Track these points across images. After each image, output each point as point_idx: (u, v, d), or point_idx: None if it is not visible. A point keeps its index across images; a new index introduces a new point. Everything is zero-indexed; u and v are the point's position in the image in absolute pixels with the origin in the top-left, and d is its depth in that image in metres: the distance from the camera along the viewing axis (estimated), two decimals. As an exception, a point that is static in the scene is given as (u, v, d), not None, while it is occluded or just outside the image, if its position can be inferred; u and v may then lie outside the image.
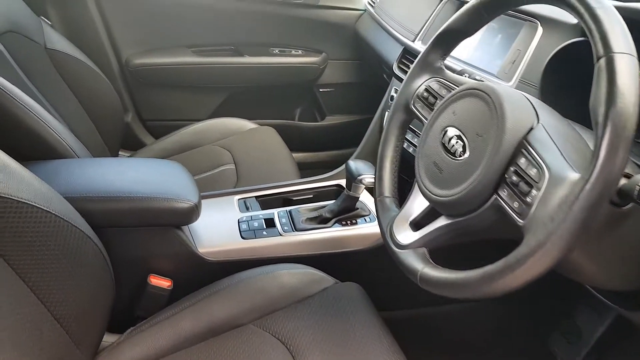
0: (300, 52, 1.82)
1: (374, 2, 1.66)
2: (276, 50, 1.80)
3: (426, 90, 0.75)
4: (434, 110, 0.69)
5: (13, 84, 0.96)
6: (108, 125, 1.43)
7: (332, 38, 1.82)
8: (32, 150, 0.97)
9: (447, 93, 0.70)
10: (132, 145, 1.79)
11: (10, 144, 0.94)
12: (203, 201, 0.94)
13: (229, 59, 1.76)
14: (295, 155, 1.58)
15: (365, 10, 1.74)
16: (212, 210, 1.10)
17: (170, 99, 1.82)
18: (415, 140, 1.11)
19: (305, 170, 1.58)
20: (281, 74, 1.80)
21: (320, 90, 1.89)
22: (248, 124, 1.58)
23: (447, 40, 0.75)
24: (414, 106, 0.76)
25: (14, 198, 0.61)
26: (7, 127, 0.94)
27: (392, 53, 1.36)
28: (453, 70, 0.79)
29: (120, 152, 1.73)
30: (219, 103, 1.85)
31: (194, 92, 1.82)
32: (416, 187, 0.72)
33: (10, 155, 0.69)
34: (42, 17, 1.44)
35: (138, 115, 1.83)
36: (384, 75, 1.48)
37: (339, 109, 1.93)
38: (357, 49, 1.82)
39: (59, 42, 1.35)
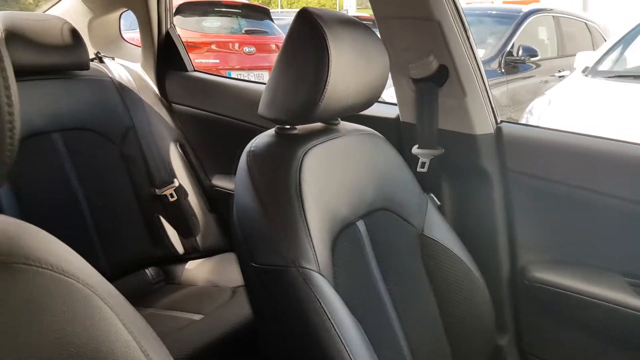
0: None
1: None
2: None
3: None
4: None
5: (353, 278, 0.86)
6: (470, 343, 1.05)
7: None
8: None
9: None
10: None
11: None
12: None
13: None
14: None
15: None
16: None
17: (572, 337, 1.20)
18: None
19: None
20: None
21: None
22: None
23: None
24: None
25: None
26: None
27: None
28: None
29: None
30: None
31: (615, 345, 1.14)
32: None
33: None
34: (431, 195, 1.17)
35: (517, 342, 1.29)
36: None
37: None
38: None
39: (438, 228, 1.06)
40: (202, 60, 4.51)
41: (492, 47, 4.49)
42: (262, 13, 5.40)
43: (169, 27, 1.70)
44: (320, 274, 0.78)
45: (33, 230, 0.47)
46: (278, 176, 0.84)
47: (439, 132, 1.20)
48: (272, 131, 0.95)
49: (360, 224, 0.94)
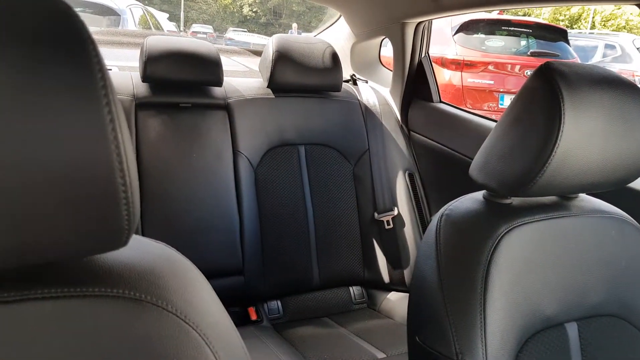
0: None
1: None
2: None
3: None
4: None
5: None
6: None
7: None
8: None
9: None
10: None
11: None
12: None
13: None
14: None
15: None
16: None
17: None
18: None
19: None
20: None
21: None
22: None
23: None
24: None
25: None
26: None
27: None
28: None
29: None
30: None
31: None
32: None
33: None
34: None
35: None
36: None
37: None
38: None
39: None
40: (475, 80, 4.35)
41: None
42: (557, 34, 4.88)
43: (422, 56, 1.68)
44: None
45: (183, 268, 0.51)
46: (465, 252, 0.74)
47: None
48: (479, 195, 0.83)
49: (572, 328, 0.77)
